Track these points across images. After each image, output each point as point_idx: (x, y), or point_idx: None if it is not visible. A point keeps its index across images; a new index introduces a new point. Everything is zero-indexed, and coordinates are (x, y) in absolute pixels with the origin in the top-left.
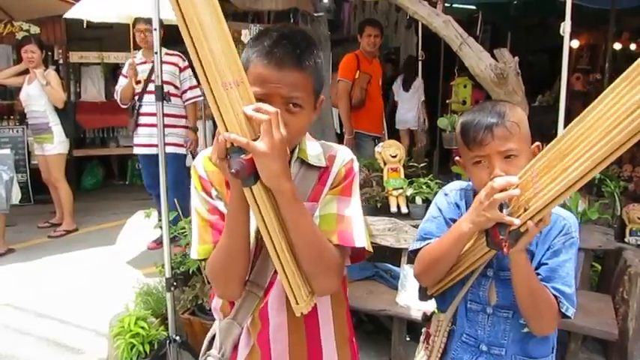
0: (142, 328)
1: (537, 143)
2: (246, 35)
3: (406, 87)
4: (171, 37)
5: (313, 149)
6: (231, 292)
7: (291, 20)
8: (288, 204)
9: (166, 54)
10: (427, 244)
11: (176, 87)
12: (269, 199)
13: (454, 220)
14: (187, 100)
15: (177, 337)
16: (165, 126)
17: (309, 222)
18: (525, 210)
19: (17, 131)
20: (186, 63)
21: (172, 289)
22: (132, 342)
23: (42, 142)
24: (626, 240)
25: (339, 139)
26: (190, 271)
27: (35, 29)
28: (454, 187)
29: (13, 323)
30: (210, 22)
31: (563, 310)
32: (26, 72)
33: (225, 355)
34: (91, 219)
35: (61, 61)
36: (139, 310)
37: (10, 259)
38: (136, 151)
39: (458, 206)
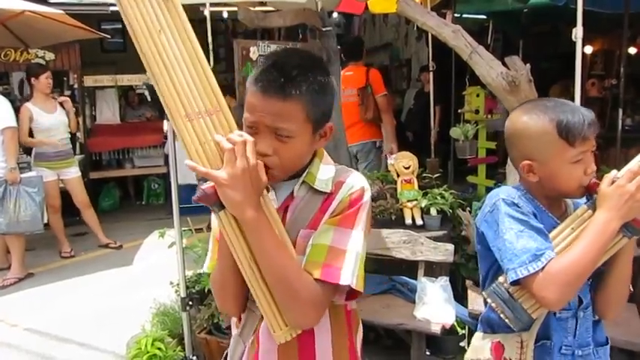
0: (159, 349)
1: None
2: (254, 52)
3: None
4: None
5: (324, 173)
6: (228, 308)
7: (300, 36)
8: (252, 233)
9: None
10: (551, 259)
11: None
12: (239, 226)
13: (547, 227)
14: None
15: (194, 357)
16: None
17: (279, 253)
18: None
19: (25, 157)
20: None
21: (188, 308)
22: None
23: (67, 167)
24: None
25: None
26: (206, 290)
27: (50, 56)
28: (513, 195)
29: (34, 347)
30: (179, 53)
31: None
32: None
33: None
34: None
35: (75, 86)
36: (156, 330)
37: (30, 283)
38: None
39: (534, 213)
